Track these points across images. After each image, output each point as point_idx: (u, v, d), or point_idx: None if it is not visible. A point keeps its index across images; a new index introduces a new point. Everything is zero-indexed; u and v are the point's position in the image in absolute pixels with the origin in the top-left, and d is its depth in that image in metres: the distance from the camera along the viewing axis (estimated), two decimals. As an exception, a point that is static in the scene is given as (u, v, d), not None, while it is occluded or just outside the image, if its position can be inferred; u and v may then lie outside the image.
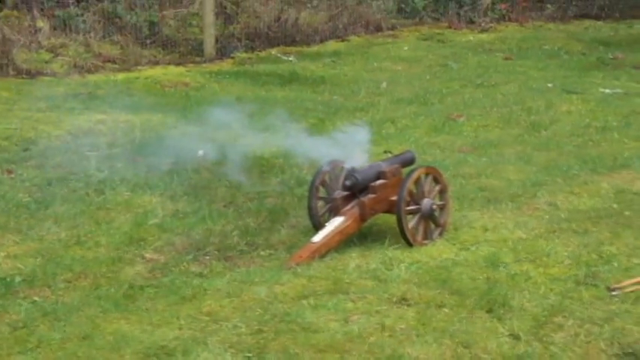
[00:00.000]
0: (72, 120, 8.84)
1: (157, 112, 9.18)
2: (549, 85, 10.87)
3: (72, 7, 12.29)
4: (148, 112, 9.14)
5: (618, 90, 10.53)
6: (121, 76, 11.31)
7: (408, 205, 5.82)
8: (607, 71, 11.88)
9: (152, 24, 12.85)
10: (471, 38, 14.66)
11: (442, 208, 6.06)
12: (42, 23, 12.01)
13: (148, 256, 5.81)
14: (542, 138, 8.59)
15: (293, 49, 13.50)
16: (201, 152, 7.49)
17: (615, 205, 6.58)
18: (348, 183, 5.99)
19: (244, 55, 13.04)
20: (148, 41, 12.69)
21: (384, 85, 11.10)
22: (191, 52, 12.87)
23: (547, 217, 6.35)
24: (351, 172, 5.98)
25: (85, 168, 7.31)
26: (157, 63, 12.19)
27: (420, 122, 9.24)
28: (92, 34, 12.20)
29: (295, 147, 6.74)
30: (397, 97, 10.49)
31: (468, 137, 8.74)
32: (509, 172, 7.40)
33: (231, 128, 7.53)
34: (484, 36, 14.84)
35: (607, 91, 10.46)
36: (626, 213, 6.41)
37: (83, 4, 12.43)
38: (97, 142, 8.04)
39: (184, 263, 5.69)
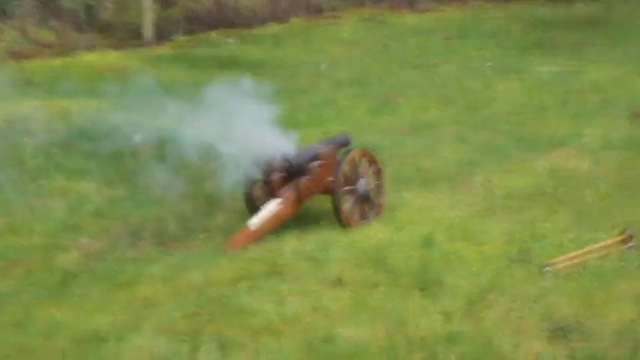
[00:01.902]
0: (7, 106, 8.71)
1: (94, 98, 9.06)
2: (488, 64, 10.93)
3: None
4: (84, 98, 9.03)
5: (556, 69, 10.62)
6: (58, 61, 11.17)
7: (344, 187, 5.84)
8: (545, 50, 11.97)
9: (89, 8, 12.70)
10: (412, 20, 14.69)
11: (378, 189, 6.08)
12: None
13: (83, 242, 5.76)
14: (478, 118, 8.65)
15: (233, 32, 13.44)
16: (137, 137, 7.42)
17: (550, 183, 6.66)
18: (283, 165, 5.99)
19: (183, 38, 12.96)
20: (86, 26, 12.54)
21: (323, 66, 11.10)
22: (129, 36, 12.75)
23: (482, 196, 6.41)
24: (286, 155, 5.98)
25: (20, 155, 7.23)
26: (94, 47, 12.06)
27: (359, 104, 9.26)
28: (28, 20, 12.03)
29: (232, 131, 6.71)
30: (337, 79, 10.50)
31: (406, 118, 8.78)
32: (446, 153, 7.45)
33: (169, 113, 7.47)
34: (424, 17, 14.88)
35: (545, 70, 10.55)
36: (560, 190, 6.49)
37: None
38: (32, 129, 7.94)
39: (120, 250, 5.65)
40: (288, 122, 6.80)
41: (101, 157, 7.17)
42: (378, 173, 6.11)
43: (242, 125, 6.62)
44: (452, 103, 9.19)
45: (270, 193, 5.98)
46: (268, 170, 6.07)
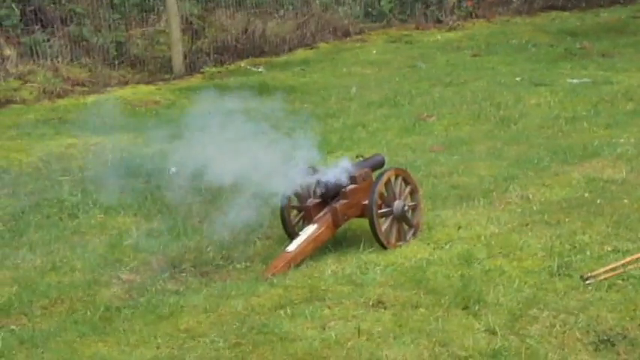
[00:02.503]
0: (43, 146, 8.83)
1: (128, 132, 9.17)
2: (517, 79, 10.93)
3: (38, 33, 12.25)
4: (118, 132, 9.12)
5: (586, 79, 10.60)
6: (90, 98, 11.29)
7: (380, 208, 5.85)
8: (575, 61, 11.95)
9: (119, 44, 12.83)
10: (439, 37, 14.72)
11: (414, 208, 6.09)
12: (9, 51, 11.98)
13: (124, 277, 5.81)
14: (512, 132, 8.63)
15: (262, 60, 13.53)
16: (173, 169, 7.48)
17: (587, 194, 6.63)
18: (319, 190, 6.02)
19: (214, 69, 13.05)
20: (117, 62, 12.68)
21: (354, 89, 11.13)
22: (160, 69, 12.86)
23: (519, 210, 6.39)
24: (321, 180, 6.01)
25: (57, 193, 7.31)
26: (126, 83, 12.18)
27: (390, 124, 9.27)
28: (60, 59, 12.18)
29: (268, 158, 6.74)
30: (367, 100, 10.52)
31: (438, 136, 8.78)
32: (480, 169, 7.44)
33: (204, 144, 7.52)
34: (452, 34, 14.91)
35: (575, 81, 10.53)
36: (598, 201, 6.45)
37: (49, 29, 12.39)
38: (68, 167, 8.04)
39: (160, 282, 5.69)
40: (320, 146, 6.83)
41: (138, 191, 7.23)
42: (414, 193, 6.12)
43: (274, 153, 6.67)
44: (484, 119, 9.18)
45: (308, 219, 6.00)
46: (304, 196, 6.10)
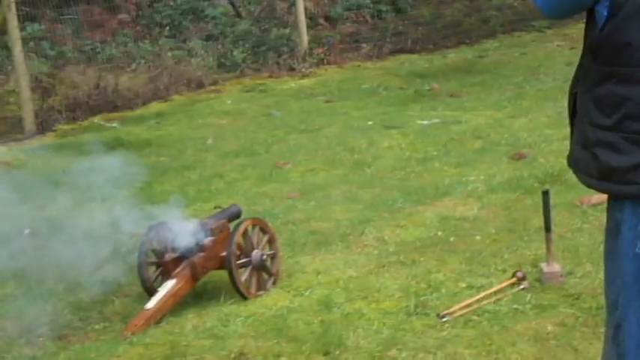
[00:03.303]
0: None
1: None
2: (370, 122, 11.11)
3: None
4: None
5: (436, 120, 10.86)
6: (-62, 162, 10.96)
7: (239, 259, 5.86)
8: (424, 102, 12.23)
9: (-34, 106, 12.55)
10: (293, 85, 14.86)
11: (273, 257, 6.12)
12: None
13: (-23, 346, 5.64)
14: (366, 175, 8.77)
15: (116, 114, 13.39)
16: (27, 231, 7.32)
17: (440, 233, 6.79)
18: (171, 246, 5.99)
19: (66, 126, 12.85)
20: (-35, 124, 12.38)
21: (210, 140, 11.14)
22: (11, 130, 12.61)
23: (376, 252, 6.49)
24: (174, 235, 5.98)
25: None
26: (-25, 144, 11.89)
27: (247, 174, 9.30)
28: None
29: (124, 214, 6.68)
30: (224, 151, 10.53)
31: (295, 183, 8.84)
32: (337, 213, 7.53)
33: (58, 203, 7.40)
34: (305, 81, 15.07)
35: (425, 122, 10.78)
36: (451, 239, 6.62)
37: None
38: None
39: (16, 348, 5.54)
40: (178, 199, 6.80)
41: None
42: (272, 241, 6.16)
43: (130, 209, 6.62)
44: (339, 164, 9.30)
45: (167, 274, 5.96)
46: (162, 251, 6.06)
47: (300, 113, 12.45)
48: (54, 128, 12.73)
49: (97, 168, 10.11)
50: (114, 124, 12.80)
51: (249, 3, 17.96)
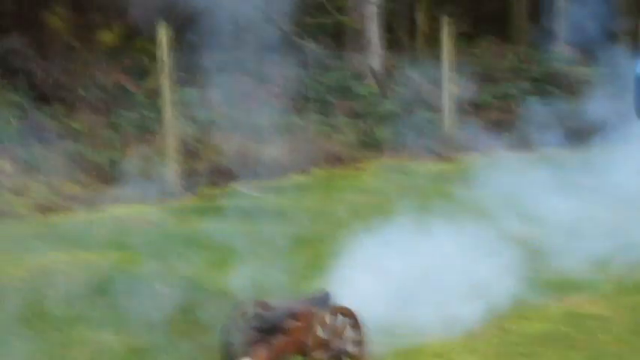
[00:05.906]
0: (32, 260, 8.84)
1: (118, 250, 9.20)
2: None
3: (35, 147, 12.39)
4: (108, 249, 9.15)
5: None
6: (84, 214, 11.35)
7: (318, 349, 5.76)
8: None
9: (113, 162, 12.97)
10: (432, 168, 14.82)
11: (359, 343, 5.96)
12: (4, 164, 12.10)
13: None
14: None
15: (256, 183, 13.62)
16: (159, 287, 7.51)
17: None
18: (255, 324, 5.94)
19: (208, 190, 13.14)
20: (111, 179, 12.78)
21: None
22: (155, 189, 12.94)
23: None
24: (260, 313, 5.95)
25: (43, 307, 7.30)
26: (119, 200, 12.24)
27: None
28: (55, 174, 12.28)
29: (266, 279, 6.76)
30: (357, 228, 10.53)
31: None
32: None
33: (193, 263, 7.56)
34: (446, 166, 15.01)
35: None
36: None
37: (45, 143, 12.55)
38: (56, 281, 8.04)
39: None
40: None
41: (123, 307, 7.22)
42: (357, 327, 5.99)
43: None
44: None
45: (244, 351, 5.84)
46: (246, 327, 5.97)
47: (437, 196, 12.35)
48: (196, 191, 13.02)
49: (236, 233, 10.31)
50: (254, 193, 13.01)
51: (396, 84, 18.11)
